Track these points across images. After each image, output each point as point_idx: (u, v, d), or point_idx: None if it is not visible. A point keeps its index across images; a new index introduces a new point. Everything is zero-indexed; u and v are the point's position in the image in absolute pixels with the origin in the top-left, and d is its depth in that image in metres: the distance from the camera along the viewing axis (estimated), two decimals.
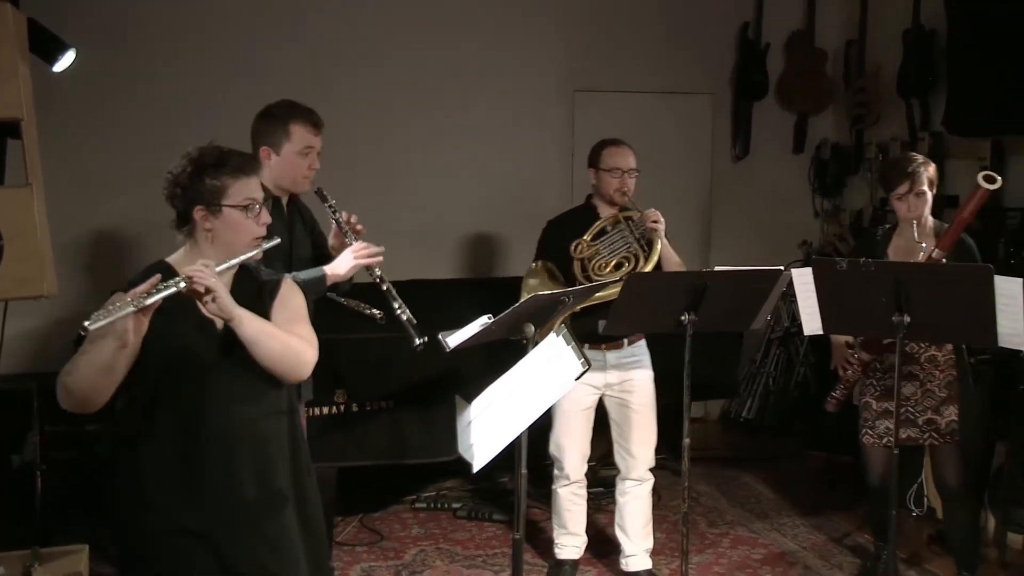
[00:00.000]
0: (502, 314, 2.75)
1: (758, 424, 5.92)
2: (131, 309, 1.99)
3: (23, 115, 2.98)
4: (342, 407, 4.17)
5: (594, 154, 3.72)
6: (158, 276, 2.07)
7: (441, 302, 4.27)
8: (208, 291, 2.08)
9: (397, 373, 4.24)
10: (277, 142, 3.03)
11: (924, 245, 3.40)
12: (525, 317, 2.77)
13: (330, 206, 3.10)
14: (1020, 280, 2.94)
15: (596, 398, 3.73)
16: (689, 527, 3.30)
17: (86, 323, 1.97)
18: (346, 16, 5.26)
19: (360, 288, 3.26)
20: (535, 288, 3.45)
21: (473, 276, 5.53)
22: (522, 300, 2.86)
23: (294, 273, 2.99)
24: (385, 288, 3.03)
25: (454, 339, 2.78)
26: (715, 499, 4.82)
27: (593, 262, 3.57)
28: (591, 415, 3.75)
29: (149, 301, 2.01)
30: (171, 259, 2.28)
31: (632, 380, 3.70)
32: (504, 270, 5.54)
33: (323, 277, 2.98)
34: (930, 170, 3.45)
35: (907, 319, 3.00)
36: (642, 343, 3.76)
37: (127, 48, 4.92)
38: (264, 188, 2.98)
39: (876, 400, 3.50)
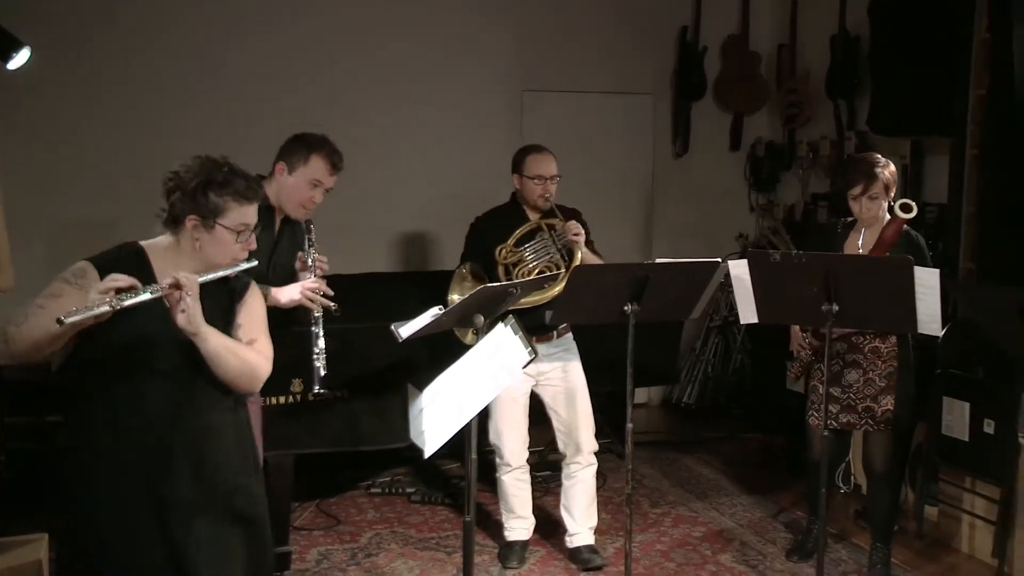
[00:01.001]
0: (452, 305, 2.75)
1: (698, 409, 5.99)
2: (107, 309, 1.95)
3: None
4: (298, 396, 4.12)
5: (517, 161, 3.70)
6: (135, 281, 2.02)
7: (393, 294, 4.26)
8: (183, 302, 2.05)
9: (351, 363, 4.21)
10: (294, 164, 3.11)
11: (860, 250, 3.47)
12: (474, 308, 2.78)
13: (310, 239, 3.12)
14: (937, 271, 3.03)
15: (530, 387, 3.75)
16: (632, 508, 3.32)
17: (61, 316, 1.91)
18: (300, 19, 5.18)
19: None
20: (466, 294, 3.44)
21: (424, 270, 5.50)
22: (454, 293, 2.86)
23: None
24: (315, 330, 3.00)
25: (406, 330, 2.77)
26: (657, 480, 4.86)
27: (517, 268, 3.57)
28: (526, 403, 3.77)
29: (127, 303, 1.97)
30: (145, 244, 2.23)
31: (563, 369, 3.73)
32: (454, 264, 5.49)
33: (267, 295, 2.96)
34: (886, 173, 3.46)
35: (836, 308, 3.05)
36: (569, 335, 3.78)
37: (84, 46, 4.79)
38: (265, 196, 2.98)
39: (823, 385, 3.55)
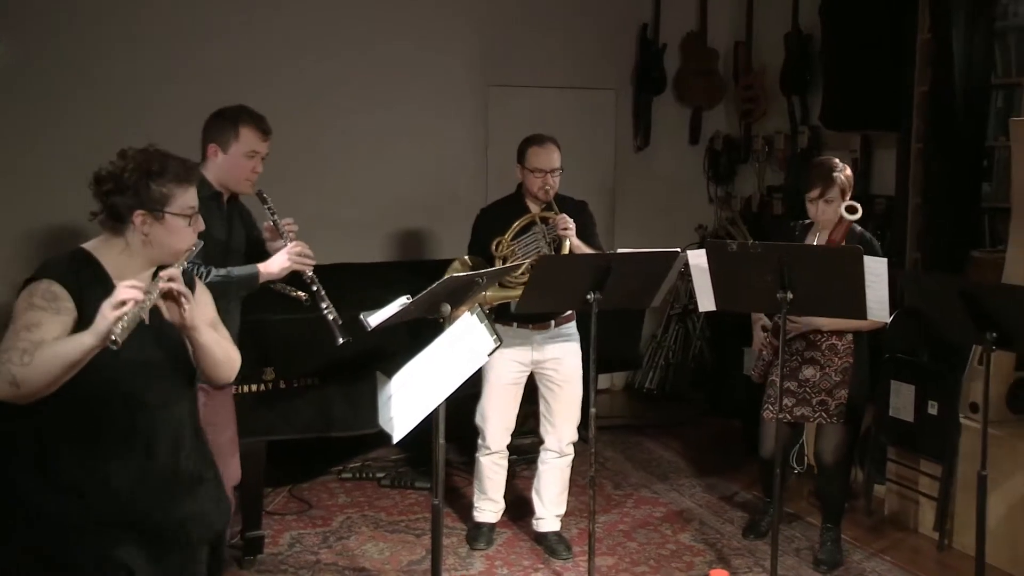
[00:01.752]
0: (420, 295, 2.73)
1: (659, 394, 6.04)
2: (143, 315, 1.89)
3: None
4: (270, 384, 4.09)
5: (521, 151, 3.62)
6: (144, 292, 1.93)
7: (367, 283, 4.22)
8: (182, 298, 2.01)
9: (322, 351, 4.17)
10: (226, 141, 2.99)
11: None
12: (442, 297, 2.76)
13: (269, 208, 3.05)
14: (885, 260, 3.06)
15: (524, 375, 3.70)
16: (596, 489, 3.34)
17: (115, 337, 1.82)
18: (274, 15, 5.11)
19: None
20: None
21: (396, 259, 5.48)
22: (435, 283, 2.84)
23: (229, 269, 2.94)
24: (315, 289, 3.00)
25: (375, 319, 2.76)
26: (620, 463, 4.89)
27: (509, 262, 3.53)
28: (518, 391, 3.73)
29: (150, 304, 1.92)
30: (90, 248, 2.14)
31: (558, 359, 3.68)
32: (424, 253, 5.50)
33: (256, 274, 2.96)
34: (843, 177, 3.47)
35: (790, 295, 3.08)
36: (572, 324, 3.72)
37: (55, 40, 4.65)
38: (207, 184, 2.94)
39: (782, 379, 3.56)
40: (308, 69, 5.16)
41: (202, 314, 2.19)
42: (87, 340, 1.87)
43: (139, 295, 1.89)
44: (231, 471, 3.15)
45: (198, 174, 2.25)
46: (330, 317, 2.99)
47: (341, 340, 2.98)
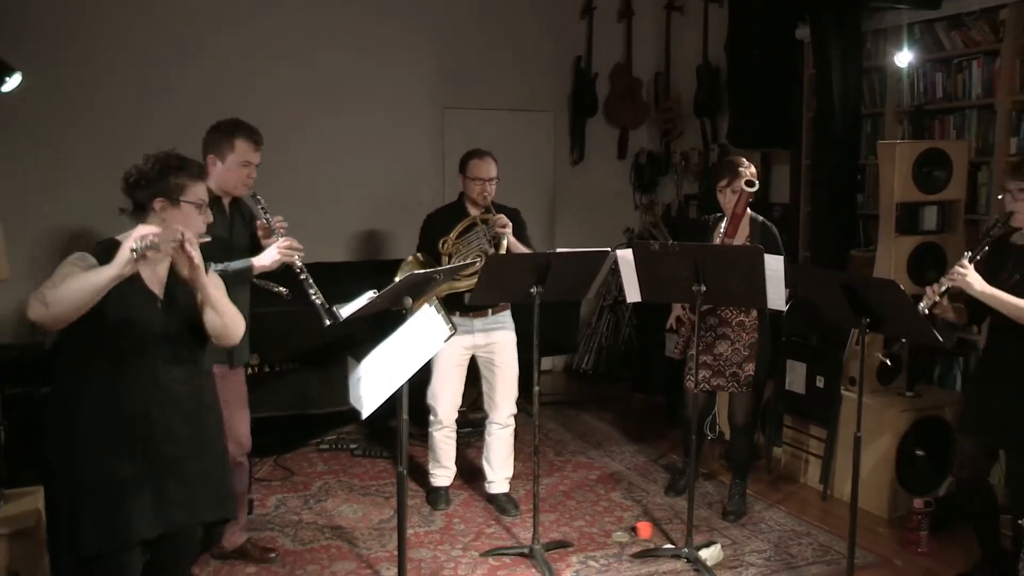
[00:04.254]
0: (385, 289, 2.73)
1: (594, 374, 6.06)
2: (173, 242, 2.00)
3: None
4: (256, 368, 4.05)
5: (463, 163, 3.66)
6: (158, 231, 2.00)
7: (336, 280, 4.19)
8: (192, 251, 2.06)
9: (300, 340, 4.15)
10: (222, 153, 2.97)
11: (721, 232, 3.57)
12: (404, 291, 2.76)
13: (262, 207, 3.02)
14: (781, 258, 3.13)
15: (467, 357, 3.71)
16: (540, 456, 3.37)
17: (135, 246, 1.92)
18: (252, 41, 5.05)
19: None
20: None
21: (361, 259, 5.44)
22: (401, 278, 2.83)
23: (226, 263, 2.90)
24: (303, 277, 2.96)
25: (346, 310, 2.74)
26: (560, 434, 4.91)
27: (454, 259, 3.54)
28: (463, 371, 3.74)
29: (159, 245, 1.96)
30: (120, 238, 2.15)
31: (496, 343, 3.69)
32: (387, 253, 5.47)
33: (250, 267, 2.93)
34: (748, 173, 3.50)
35: (703, 288, 3.13)
36: (507, 312, 3.73)
37: (68, 70, 4.64)
38: (208, 190, 2.90)
39: (699, 354, 3.62)
40: (288, 90, 5.12)
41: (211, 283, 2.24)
42: (110, 270, 1.95)
43: (155, 230, 1.99)
44: (243, 442, 3.16)
45: (206, 172, 2.33)
46: (317, 302, 2.94)
47: (328, 322, 2.92)
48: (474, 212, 3.63)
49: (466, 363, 3.74)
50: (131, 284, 2.08)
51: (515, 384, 3.77)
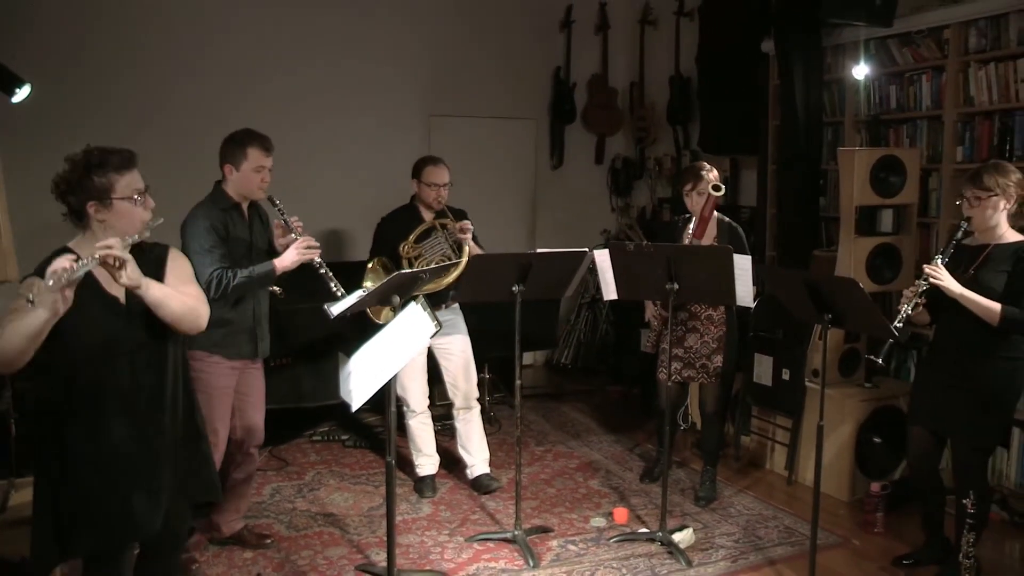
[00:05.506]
0: (374, 288, 2.71)
1: (573, 367, 6.05)
2: (52, 283, 1.78)
3: None
4: None
5: (417, 168, 3.63)
6: (71, 261, 1.85)
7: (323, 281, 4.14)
8: (119, 262, 1.90)
9: (295, 337, 4.11)
10: (237, 161, 2.96)
11: (690, 233, 3.58)
12: (392, 290, 2.74)
13: (279, 209, 2.98)
14: (749, 257, 3.15)
15: (426, 347, 3.65)
16: (521, 447, 3.37)
17: (30, 299, 1.76)
18: (248, 51, 5.00)
19: None
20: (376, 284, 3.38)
21: (348, 260, 5.40)
22: (372, 283, 2.81)
23: (251, 268, 2.89)
24: (323, 272, 2.93)
25: (336, 308, 2.72)
26: (541, 425, 4.91)
27: (417, 261, 3.52)
28: (424, 360, 3.71)
29: (75, 276, 1.81)
30: (72, 244, 2.06)
31: (449, 334, 3.69)
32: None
33: (273, 269, 2.92)
34: (711, 176, 3.52)
35: (676, 286, 3.14)
36: (456, 307, 3.73)
37: (75, 80, 4.56)
38: (227, 196, 2.94)
39: (671, 347, 3.63)
40: (284, 104, 5.06)
41: (176, 275, 2.14)
42: (41, 314, 1.82)
43: (67, 264, 1.83)
44: (257, 433, 3.13)
45: (135, 158, 2.09)
46: (339, 294, 2.90)
47: (335, 312, 2.84)
48: (427, 216, 3.61)
49: (426, 352, 3.70)
50: (90, 295, 1.97)
51: (474, 369, 3.78)
